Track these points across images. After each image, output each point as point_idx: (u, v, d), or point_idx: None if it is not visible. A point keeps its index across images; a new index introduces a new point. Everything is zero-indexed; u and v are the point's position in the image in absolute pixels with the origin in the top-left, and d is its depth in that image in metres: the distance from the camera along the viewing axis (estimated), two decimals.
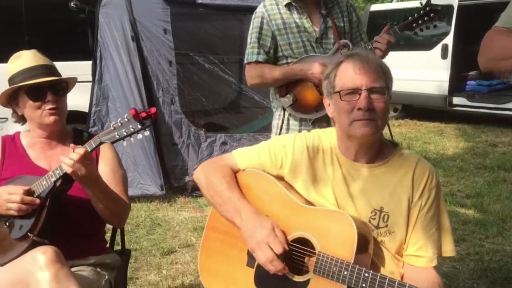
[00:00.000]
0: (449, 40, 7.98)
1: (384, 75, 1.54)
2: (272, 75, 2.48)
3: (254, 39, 2.51)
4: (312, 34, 2.48)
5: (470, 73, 8.33)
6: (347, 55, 1.57)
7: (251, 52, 2.53)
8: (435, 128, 8.05)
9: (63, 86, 1.95)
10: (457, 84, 8.10)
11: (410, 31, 2.51)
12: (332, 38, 2.51)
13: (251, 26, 2.56)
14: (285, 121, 2.58)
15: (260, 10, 2.54)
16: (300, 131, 2.55)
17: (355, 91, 1.50)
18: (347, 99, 1.52)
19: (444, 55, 7.98)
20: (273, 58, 2.53)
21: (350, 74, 1.52)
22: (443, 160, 5.83)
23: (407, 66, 7.65)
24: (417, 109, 8.74)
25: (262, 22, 2.51)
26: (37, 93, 1.87)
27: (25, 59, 1.90)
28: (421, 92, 7.97)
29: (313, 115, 2.49)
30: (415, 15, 2.48)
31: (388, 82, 1.55)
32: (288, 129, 2.57)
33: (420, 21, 2.46)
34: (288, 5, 2.50)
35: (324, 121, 2.46)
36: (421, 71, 7.81)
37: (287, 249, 1.50)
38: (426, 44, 8.30)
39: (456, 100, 8.05)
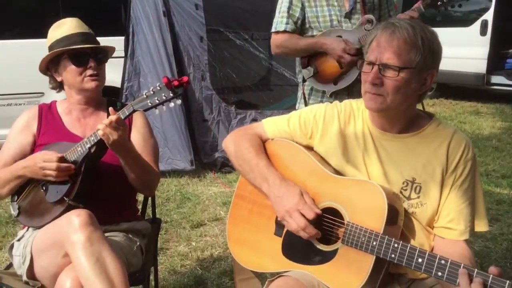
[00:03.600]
0: (489, 16, 7.65)
1: (412, 53, 1.45)
2: (297, 45, 2.54)
3: (284, 9, 2.55)
4: (342, 8, 2.50)
5: (511, 50, 8.00)
6: (384, 25, 1.52)
7: (280, 21, 2.57)
8: (471, 108, 7.80)
9: (103, 54, 2.00)
10: (496, 62, 7.79)
11: (434, 9, 2.49)
12: (359, 13, 2.51)
13: None
14: (307, 92, 2.64)
15: None
16: (321, 103, 2.59)
17: (370, 63, 1.49)
18: (364, 69, 1.52)
19: (483, 32, 7.67)
20: (299, 29, 2.57)
21: (374, 46, 1.50)
22: (478, 140, 5.68)
23: (443, 43, 7.30)
24: (453, 88, 8.47)
25: None
26: (80, 59, 1.93)
27: (68, 26, 1.95)
28: (457, 70, 7.69)
29: (331, 88, 2.55)
30: None
31: (413, 63, 1.45)
32: (309, 100, 2.63)
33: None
34: None
35: (345, 94, 2.51)
36: (458, 49, 7.51)
37: (320, 213, 1.50)
38: (465, 21, 7.98)
39: (495, 78, 7.76)
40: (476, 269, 1.25)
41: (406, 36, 1.46)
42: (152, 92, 1.70)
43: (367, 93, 1.51)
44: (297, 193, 1.53)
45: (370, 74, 1.48)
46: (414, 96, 1.53)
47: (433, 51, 1.50)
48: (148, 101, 1.70)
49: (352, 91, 2.50)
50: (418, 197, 1.53)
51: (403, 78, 1.46)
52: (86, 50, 1.93)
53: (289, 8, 2.53)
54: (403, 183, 1.54)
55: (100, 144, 1.77)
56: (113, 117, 1.69)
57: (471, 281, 1.23)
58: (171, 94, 1.68)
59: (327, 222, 1.54)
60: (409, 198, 1.54)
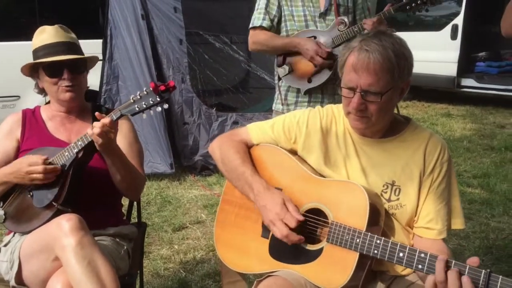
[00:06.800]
0: (459, 20, 7.88)
1: (389, 74, 1.49)
2: (273, 43, 2.63)
3: (262, 6, 2.65)
4: (316, 9, 2.59)
5: (480, 54, 8.26)
6: (358, 45, 1.52)
7: (257, 17, 2.66)
8: (443, 110, 8.01)
9: (82, 63, 1.98)
10: (466, 65, 8.02)
11: (403, 12, 2.57)
12: (333, 15, 2.60)
13: None
14: (283, 93, 2.72)
15: None
16: (296, 102, 2.68)
17: (351, 89, 1.53)
18: (345, 93, 1.56)
19: (453, 36, 7.90)
20: (275, 28, 2.66)
21: (350, 70, 1.52)
22: (450, 141, 5.84)
23: (415, 47, 7.36)
24: (425, 90, 8.69)
25: None
26: (54, 70, 1.91)
27: (48, 34, 1.93)
28: (429, 73, 7.90)
29: (305, 85, 2.62)
30: None
31: (392, 83, 1.50)
32: (286, 100, 2.71)
33: (413, 4, 2.51)
34: None
35: (319, 92, 2.61)
36: (430, 52, 7.72)
37: (302, 219, 1.55)
38: (436, 25, 8.21)
39: (465, 81, 7.98)
40: (454, 260, 1.32)
41: (381, 60, 1.48)
42: (139, 97, 1.72)
43: (351, 115, 1.57)
44: (279, 202, 1.57)
45: (354, 100, 1.52)
46: (394, 107, 1.62)
47: (407, 62, 1.54)
48: (136, 106, 1.72)
49: (327, 89, 2.60)
50: (398, 199, 1.60)
51: (385, 99, 1.52)
52: (60, 62, 1.89)
53: (266, 5, 2.63)
54: (383, 186, 1.61)
55: (87, 149, 1.78)
56: (106, 120, 1.70)
57: (447, 268, 1.30)
58: (158, 99, 1.71)
59: (312, 222, 1.59)
60: (389, 200, 1.60)
